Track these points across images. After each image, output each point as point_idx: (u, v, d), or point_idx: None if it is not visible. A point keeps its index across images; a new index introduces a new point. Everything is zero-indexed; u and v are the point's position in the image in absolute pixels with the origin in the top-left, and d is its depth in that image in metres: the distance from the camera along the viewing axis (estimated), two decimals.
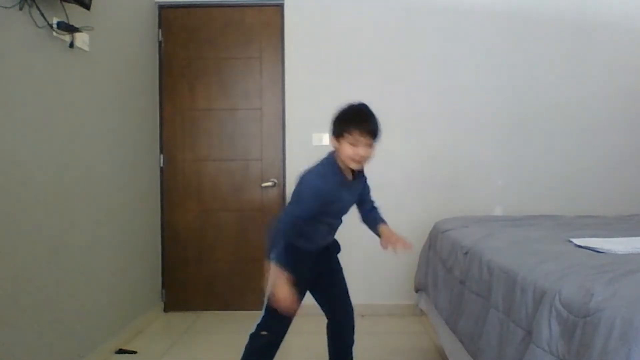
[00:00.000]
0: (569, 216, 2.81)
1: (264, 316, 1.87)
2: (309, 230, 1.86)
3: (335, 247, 2.06)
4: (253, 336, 1.89)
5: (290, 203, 1.84)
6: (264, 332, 1.87)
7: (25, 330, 2.01)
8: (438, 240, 2.54)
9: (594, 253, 1.60)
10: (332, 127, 1.82)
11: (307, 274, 1.90)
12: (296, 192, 1.81)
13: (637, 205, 3.39)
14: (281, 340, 1.90)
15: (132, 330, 3.03)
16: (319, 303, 2.05)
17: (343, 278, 2.05)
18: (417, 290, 2.85)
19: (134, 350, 2.80)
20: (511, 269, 1.61)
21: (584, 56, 3.49)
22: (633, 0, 3.49)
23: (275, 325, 1.87)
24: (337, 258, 2.06)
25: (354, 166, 1.79)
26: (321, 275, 1.98)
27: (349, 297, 2.05)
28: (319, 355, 2.65)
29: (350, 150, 1.75)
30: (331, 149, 1.86)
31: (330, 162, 1.82)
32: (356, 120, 1.77)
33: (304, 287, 1.90)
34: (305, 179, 1.82)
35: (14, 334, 1.94)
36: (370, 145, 1.77)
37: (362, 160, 1.78)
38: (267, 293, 1.86)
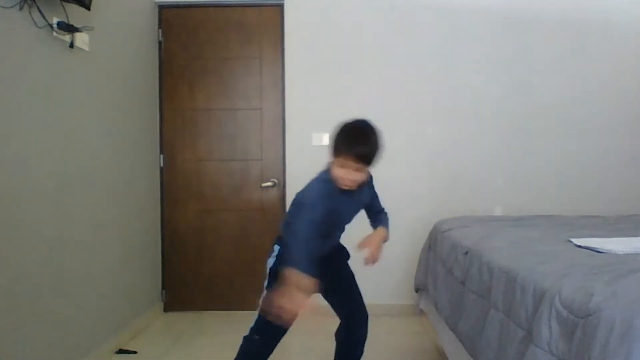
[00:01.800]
0: (569, 216, 2.81)
1: (257, 320, 1.84)
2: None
3: (343, 254, 2.03)
4: (246, 339, 1.86)
5: (297, 214, 1.74)
6: (257, 337, 1.84)
7: (25, 330, 2.01)
8: (438, 240, 2.54)
9: (594, 253, 1.60)
10: (330, 150, 1.71)
11: None
12: (300, 202, 1.78)
13: (637, 205, 3.39)
14: (275, 345, 1.86)
15: (132, 330, 3.03)
16: (333, 307, 2.03)
17: (354, 284, 2.03)
18: (417, 290, 2.85)
19: (134, 350, 2.80)
20: (511, 269, 1.61)
21: (584, 56, 3.49)
22: (633, 0, 3.49)
23: (269, 330, 1.81)
24: (346, 264, 2.03)
25: (344, 187, 1.71)
26: (327, 280, 1.93)
27: (364, 306, 2.02)
28: (319, 355, 2.65)
29: (339, 172, 1.67)
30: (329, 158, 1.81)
31: (328, 175, 1.73)
32: (348, 143, 1.65)
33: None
34: (306, 188, 1.79)
35: (14, 334, 1.94)
36: (361, 170, 1.67)
37: (352, 183, 1.70)
38: (261, 298, 1.85)
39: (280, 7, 3.51)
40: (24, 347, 2.00)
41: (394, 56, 3.48)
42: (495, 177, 3.49)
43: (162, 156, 3.57)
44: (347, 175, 1.67)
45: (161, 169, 3.58)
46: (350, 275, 2.04)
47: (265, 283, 1.87)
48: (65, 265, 2.31)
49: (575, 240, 1.81)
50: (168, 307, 3.60)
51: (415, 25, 3.49)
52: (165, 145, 3.57)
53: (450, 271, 2.22)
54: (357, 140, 1.66)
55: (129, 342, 2.94)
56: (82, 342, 2.45)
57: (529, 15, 3.47)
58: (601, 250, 1.62)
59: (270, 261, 1.88)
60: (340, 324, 2.03)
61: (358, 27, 3.49)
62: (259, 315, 1.83)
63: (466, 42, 3.48)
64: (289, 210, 1.91)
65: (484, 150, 3.49)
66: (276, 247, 1.89)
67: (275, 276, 1.80)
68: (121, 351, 2.78)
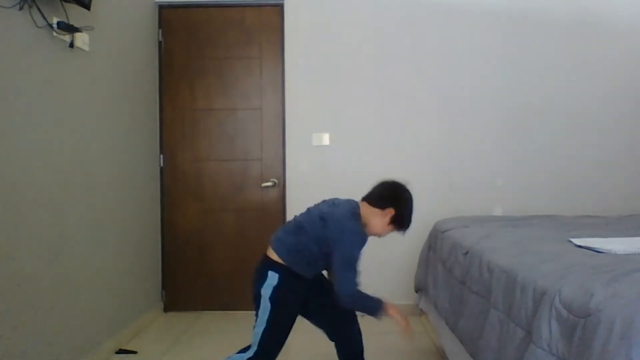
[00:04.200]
0: (569, 216, 2.81)
1: (258, 351, 1.79)
2: (319, 263, 1.87)
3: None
4: None
5: (343, 267, 1.78)
6: None
7: (25, 330, 2.01)
8: (438, 240, 2.54)
9: (594, 253, 1.60)
10: (398, 212, 1.85)
11: (299, 299, 1.88)
12: (344, 253, 1.78)
13: (637, 205, 3.39)
14: None
15: (132, 330, 3.03)
16: (320, 326, 2.01)
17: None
18: (417, 290, 2.85)
19: (134, 350, 2.80)
20: (511, 269, 1.61)
21: (584, 56, 3.49)
22: (633, 1, 3.49)
23: (272, 356, 1.83)
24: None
25: (370, 236, 1.89)
26: (313, 297, 1.94)
27: (349, 313, 2.00)
28: (319, 355, 2.65)
29: (382, 228, 1.87)
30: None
31: (359, 223, 1.84)
32: (409, 216, 1.88)
33: (296, 311, 1.89)
34: (350, 240, 1.80)
35: (14, 333, 1.94)
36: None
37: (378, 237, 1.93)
38: (260, 328, 1.79)
39: (280, 7, 3.51)
40: (24, 347, 2.00)
41: (394, 56, 3.48)
42: (495, 177, 3.49)
43: (162, 156, 3.57)
44: (385, 233, 1.90)
45: (161, 169, 3.58)
46: (324, 281, 2.02)
47: (266, 317, 1.78)
48: (65, 265, 2.31)
49: (575, 240, 1.81)
50: (168, 307, 3.60)
51: (415, 25, 3.49)
52: (165, 145, 3.57)
53: (450, 271, 2.22)
54: (411, 215, 1.89)
55: (129, 342, 2.94)
56: (82, 342, 2.45)
57: (528, 15, 3.47)
58: (601, 250, 1.62)
59: (266, 291, 1.79)
60: (336, 344, 2.01)
61: (358, 27, 3.49)
62: (261, 346, 1.79)
63: (466, 43, 3.48)
64: (300, 231, 1.84)
65: (484, 150, 3.49)
66: (271, 275, 1.80)
67: (276, 306, 1.78)
68: (121, 351, 2.78)
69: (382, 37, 3.48)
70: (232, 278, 3.56)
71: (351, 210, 1.85)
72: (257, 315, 1.83)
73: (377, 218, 1.85)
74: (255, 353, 1.79)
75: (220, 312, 3.55)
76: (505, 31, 3.48)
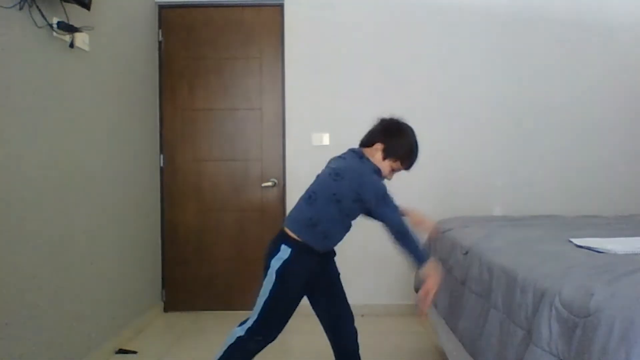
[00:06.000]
0: (569, 216, 2.81)
1: (257, 321, 1.80)
2: (336, 230, 1.85)
3: (332, 251, 2.00)
4: (243, 340, 1.81)
5: (381, 205, 1.77)
6: (259, 337, 1.81)
7: (25, 330, 2.01)
8: (438, 240, 2.54)
9: (594, 253, 1.60)
10: (387, 144, 1.84)
11: (306, 276, 1.84)
12: (375, 192, 1.76)
13: (637, 205, 3.39)
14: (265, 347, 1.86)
15: (132, 330, 3.03)
16: (319, 315, 1.98)
17: (340, 283, 2.00)
18: (417, 290, 2.85)
19: (134, 350, 2.80)
20: (511, 269, 1.61)
21: (584, 56, 3.49)
22: (633, 1, 3.49)
23: (272, 332, 1.82)
24: (334, 262, 2.00)
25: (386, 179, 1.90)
26: (322, 279, 1.93)
27: (350, 311, 1.98)
28: (319, 355, 2.65)
29: (389, 170, 1.88)
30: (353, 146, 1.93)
31: (373, 166, 1.84)
32: (413, 156, 1.88)
33: (300, 289, 1.85)
34: (362, 177, 1.77)
35: (14, 333, 1.94)
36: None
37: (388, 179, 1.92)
38: (262, 298, 1.79)
39: (280, 7, 3.51)
40: (24, 347, 2.00)
41: (394, 56, 3.48)
42: (495, 177, 3.49)
43: (162, 156, 3.57)
44: (387, 172, 1.87)
45: (161, 169, 3.58)
46: (338, 274, 2.01)
47: (270, 287, 1.78)
48: (65, 265, 2.31)
49: (575, 240, 1.81)
50: (168, 307, 3.60)
51: (415, 25, 3.49)
52: (165, 145, 3.57)
53: (450, 271, 2.22)
54: (417, 154, 1.88)
55: (129, 342, 2.94)
56: (82, 342, 2.45)
57: (529, 15, 3.47)
58: (601, 250, 1.62)
59: (276, 263, 1.77)
60: (331, 339, 1.98)
61: (358, 27, 3.49)
62: (260, 316, 1.79)
63: (466, 43, 3.48)
64: (312, 200, 1.80)
65: (484, 150, 3.49)
66: (284, 248, 1.78)
67: (282, 281, 1.77)
68: (121, 351, 2.78)
69: (382, 37, 3.49)
70: (232, 278, 3.56)
71: (357, 156, 1.85)
72: (262, 285, 1.82)
73: (374, 158, 1.85)
74: (255, 322, 1.80)
75: (220, 312, 3.55)
76: (506, 31, 3.48)
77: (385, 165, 1.85)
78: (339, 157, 1.90)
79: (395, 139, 1.85)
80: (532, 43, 3.48)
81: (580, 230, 2.14)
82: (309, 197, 1.82)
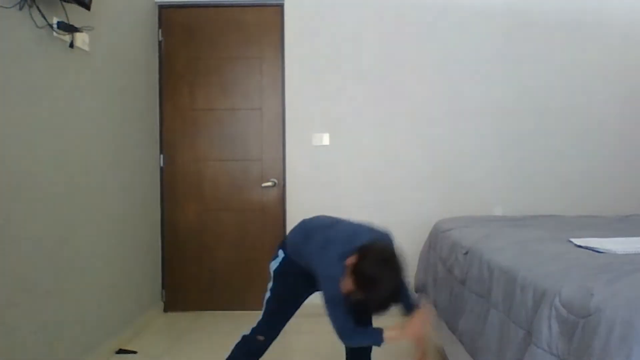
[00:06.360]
0: (569, 216, 2.81)
1: (262, 320, 1.92)
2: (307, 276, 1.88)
3: None
4: (247, 339, 1.93)
5: (330, 308, 1.66)
6: (261, 337, 1.90)
7: (25, 330, 2.01)
8: (438, 240, 2.54)
9: (594, 253, 1.60)
10: (357, 286, 1.58)
11: (300, 278, 1.89)
12: (331, 296, 1.65)
13: (637, 205, 3.39)
14: (269, 345, 1.94)
15: (132, 330, 3.03)
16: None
17: None
18: (417, 290, 2.85)
19: (134, 350, 2.80)
20: (511, 269, 1.61)
21: (584, 57, 3.49)
22: (633, 1, 3.49)
23: (272, 330, 1.92)
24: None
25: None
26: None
27: None
28: (319, 355, 2.65)
29: (346, 289, 1.64)
30: None
31: (341, 276, 1.64)
32: (383, 304, 1.60)
33: (297, 288, 1.94)
34: (330, 286, 1.66)
35: (14, 334, 1.94)
36: None
37: None
38: (264, 299, 1.94)
39: (280, 7, 3.51)
40: (24, 347, 2.00)
41: (394, 56, 3.48)
42: (495, 177, 3.49)
43: (162, 156, 3.57)
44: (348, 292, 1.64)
45: (161, 169, 3.58)
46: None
47: (270, 285, 1.95)
48: (65, 265, 2.31)
49: (575, 240, 1.81)
50: (168, 307, 3.60)
51: (415, 26, 3.48)
52: (165, 145, 3.57)
53: (450, 271, 2.22)
54: (386, 306, 1.61)
55: (129, 342, 2.94)
56: (82, 342, 2.45)
57: (530, 17, 3.47)
58: (601, 250, 1.62)
59: (274, 264, 1.96)
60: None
61: (358, 28, 3.49)
62: (265, 315, 1.91)
63: (466, 44, 3.48)
64: (308, 239, 1.82)
65: (484, 150, 3.49)
66: (280, 252, 1.97)
67: (279, 279, 1.93)
68: (121, 351, 2.78)
69: (383, 38, 3.48)
70: (232, 278, 3.56)
71: (340, 256, 1.64)
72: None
73: (346, 270, 1.63)
74: (260, 322, 1.92)
75: (220, 312, 3.54)
76: (507, 33, 3.48)
77: (347, 285, 1.62)
78: (343, 233, 1.77)
79: (366, 291, 1.58)
80: (533, 45, 3.48)
81: (580, 230, 2.15)
82: (307, 235, 1.84)
